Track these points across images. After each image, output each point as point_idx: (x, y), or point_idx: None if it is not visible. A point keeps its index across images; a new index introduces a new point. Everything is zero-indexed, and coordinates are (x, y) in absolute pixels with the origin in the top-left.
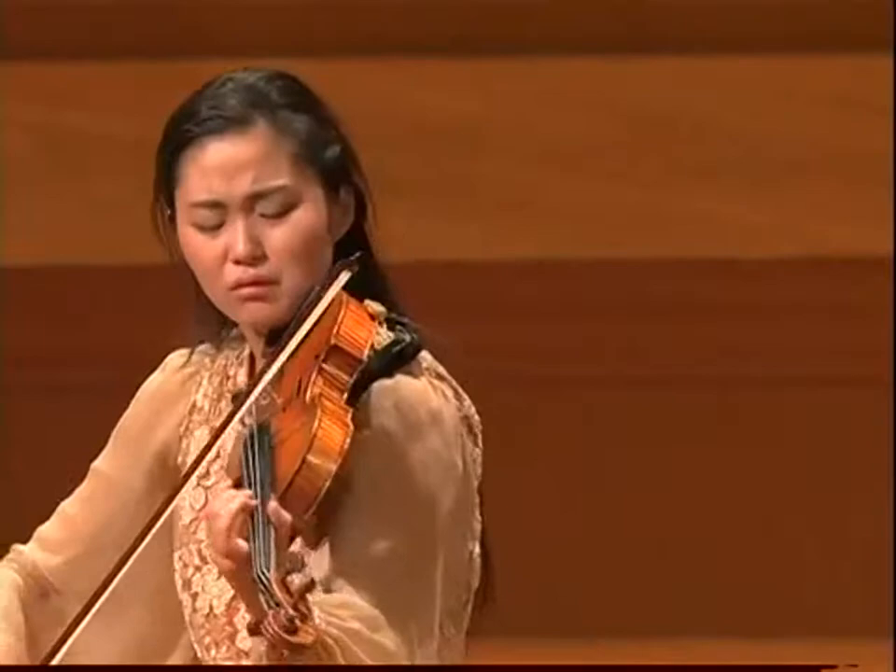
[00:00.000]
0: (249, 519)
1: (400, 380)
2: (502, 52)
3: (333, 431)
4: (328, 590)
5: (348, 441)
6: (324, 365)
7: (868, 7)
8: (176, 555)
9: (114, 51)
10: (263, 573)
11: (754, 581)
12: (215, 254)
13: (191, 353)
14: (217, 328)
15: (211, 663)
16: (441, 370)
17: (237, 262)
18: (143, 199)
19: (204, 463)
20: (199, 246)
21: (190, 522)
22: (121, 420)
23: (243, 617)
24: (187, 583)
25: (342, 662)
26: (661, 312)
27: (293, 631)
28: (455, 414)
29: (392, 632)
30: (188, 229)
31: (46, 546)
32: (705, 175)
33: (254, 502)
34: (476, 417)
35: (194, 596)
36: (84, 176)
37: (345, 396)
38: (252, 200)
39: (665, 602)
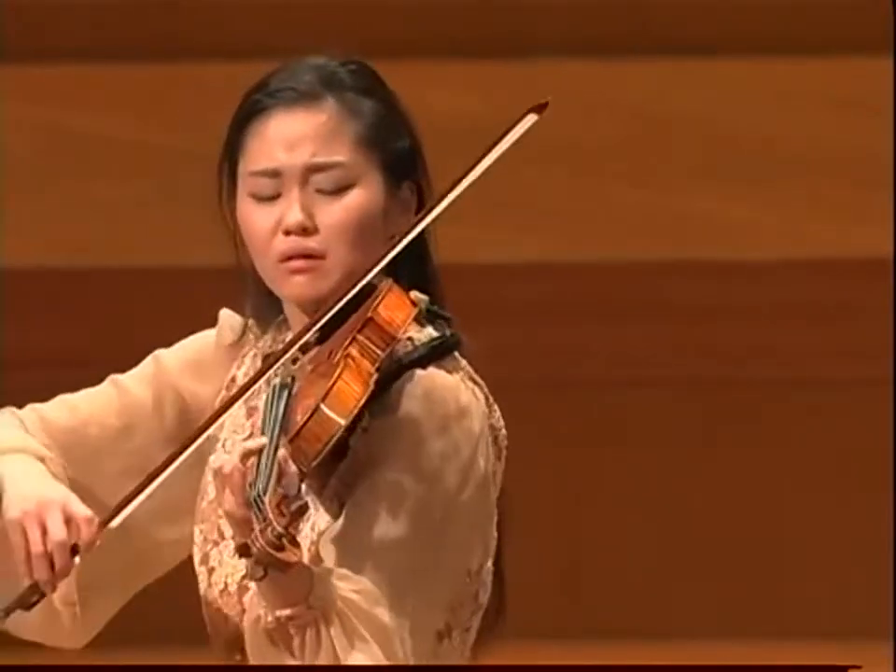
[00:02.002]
0: (256, 458)
1: (434, 372)
2: (504, 54)
3: (352, 386)
4: (333, 564)
5: (364, 399)
6: (358, 335)
7: (868, 9)
8: (197, 530)
9: (115, 53)
10: (259, 496)
11: (755, 583)
12: (268, 224)
13: (245, 323)
14: (265, 309)
15: (222, 640)
16: (476, 376)
17: (287, 233)
18: (145, 200)
19: (228, 423)
20: (253, 216)
21: (215, 498)
22: (162, 353)
23: (252, 596)
24: (205, 558)
25: (339, 628)
26: (661, 314)
27: (280, 548)
28: (483, 417)
29: (389, 610)
30: (245, 199)
31: (46, 426)
32: (705, 177)
33: (261, 443)
34: (503, 432)
35: (211, 571)
36: (85, 178)
37: (375, 366)
38: (309, 172)
39: (665, 603)
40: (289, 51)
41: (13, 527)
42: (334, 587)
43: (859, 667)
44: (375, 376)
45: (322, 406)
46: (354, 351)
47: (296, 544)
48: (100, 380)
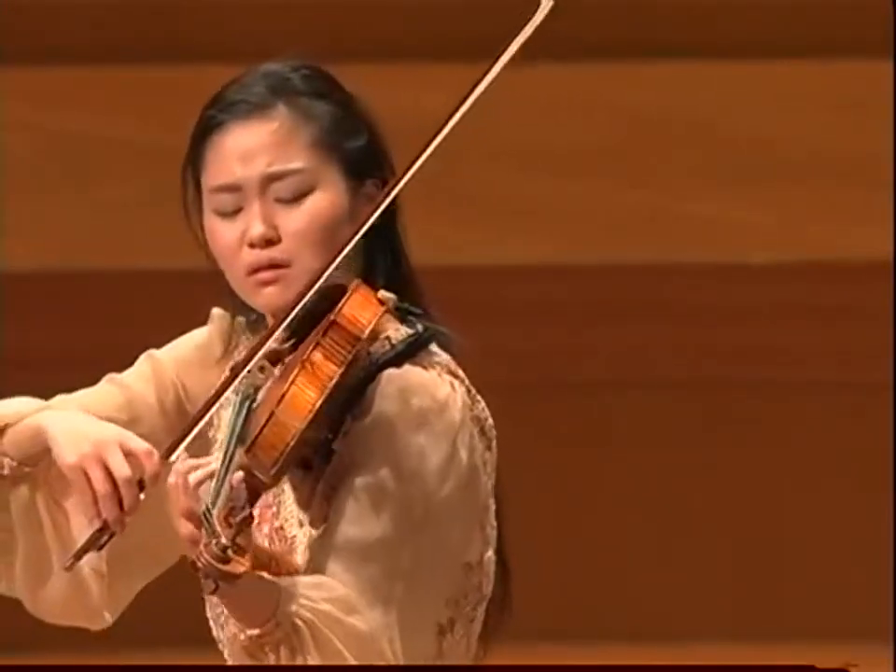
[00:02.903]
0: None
1: (408, 369)
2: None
3: (307, 391)
4: (317, 567)
5: (320, 402)
6: (322, 339)
7: (868, 11)
8: None
9: (116, 55)
10: (208, 509)
11: (755, 585)
12: (232, 238)
13: (231, 321)
14: (249, 309)
15: (224, 640)
16: (456, 369)
17: (252, 245)
18: (145, 202)
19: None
20: (218, 232)
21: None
22: (156, 352)
23: None
24: None
25: (311, 643)
26: (661, 316)
27: (225, 561)
28: (464, 409)
29: (372, 614)
30: (209, 215)
31: None
32: (705, 179)
33: (213, 467)
34: (490, 421)
35: None
36: (84, 180)
37: (341, 369)
38: (267, 182)
39: (664, 605)
40: (287, 53)
41: (73, 472)
42: (305, 599)
43: (856, 666)
44: (335, 380)
45: (276, 414)
46: (318, 355)
47: (243, 554)
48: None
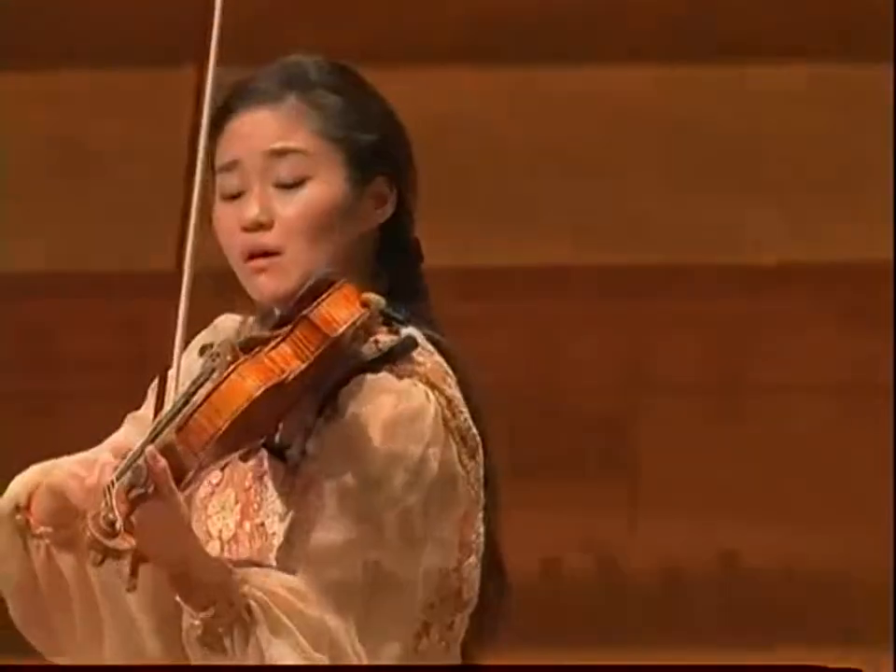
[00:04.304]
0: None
1: (384, 376)
2: (507, 60)
3: (248, 380)
4: (277, 566)
5: (258, 393)
6: (291, 333)
7: (868, 11)
8: None
9: (118, 58)
10: (112, 482)
11: (755, 588)
12: (231, 222)
13: (243, 322)
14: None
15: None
16: (438, 380)
17: (245, 229)
18: (146, 206)
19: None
20: (221, 215)
21: (205, 496)
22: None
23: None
24: None
25: (265, 624)
26: (662, 317)
27: (111, 535)
28: (437, 420)
29: (328, 611)
30: (217, 201)
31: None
32: (704, 179)
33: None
34: (473, 430)
35: None
36: (86, 181)
37: (303, 367)
38: (268, 160)
39: (664, 607)
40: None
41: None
42: (259, 582)
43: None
44: (289, 373)
45: (211, 398)
46: (284, 348)
47: (132, 532)
48: (101, 384)
